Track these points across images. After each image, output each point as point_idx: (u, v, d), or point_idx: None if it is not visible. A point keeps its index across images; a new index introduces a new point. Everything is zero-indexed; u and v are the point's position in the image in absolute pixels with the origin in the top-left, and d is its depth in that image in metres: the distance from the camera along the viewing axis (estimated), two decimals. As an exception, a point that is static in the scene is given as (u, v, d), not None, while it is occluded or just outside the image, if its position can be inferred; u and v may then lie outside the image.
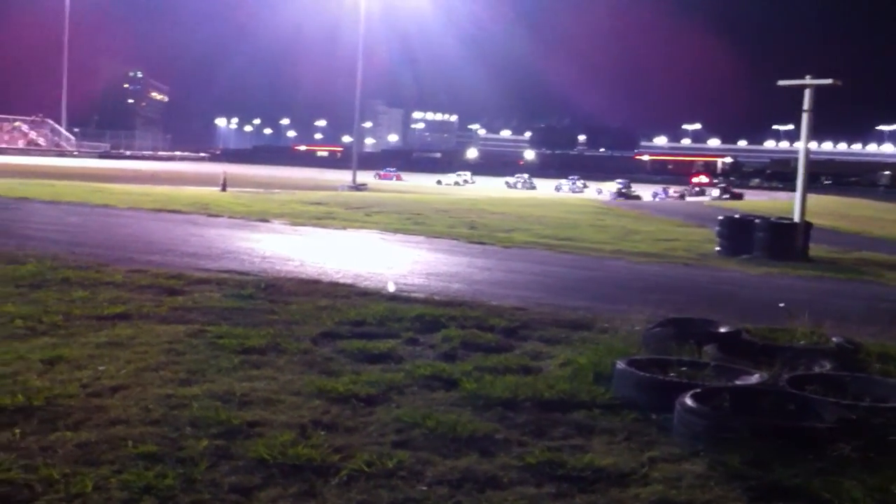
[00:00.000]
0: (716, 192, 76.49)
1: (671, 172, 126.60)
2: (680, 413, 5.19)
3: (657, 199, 67.20)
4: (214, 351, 6.64)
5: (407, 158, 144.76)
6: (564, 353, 7.16)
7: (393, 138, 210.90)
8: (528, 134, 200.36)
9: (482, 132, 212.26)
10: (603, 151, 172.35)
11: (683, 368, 6.35)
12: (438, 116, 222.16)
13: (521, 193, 69.32)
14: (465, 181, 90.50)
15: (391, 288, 10.82)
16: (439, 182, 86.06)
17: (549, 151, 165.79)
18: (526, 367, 6.75)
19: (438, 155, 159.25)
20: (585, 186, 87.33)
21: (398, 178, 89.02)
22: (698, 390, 5.45)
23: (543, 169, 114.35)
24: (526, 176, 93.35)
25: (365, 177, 67.35)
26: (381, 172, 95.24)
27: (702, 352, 6.96)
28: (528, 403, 5.67)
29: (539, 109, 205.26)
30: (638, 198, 66.44)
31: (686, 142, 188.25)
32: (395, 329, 7.87)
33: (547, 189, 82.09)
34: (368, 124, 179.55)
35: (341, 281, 11.04)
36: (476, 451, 4.76)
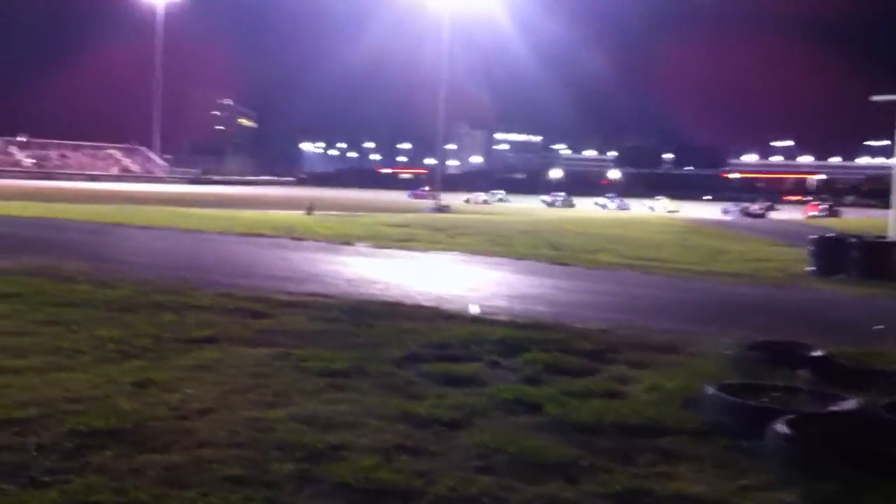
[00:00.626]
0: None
1: (761, 190, 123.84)
2: (772, 440, 5.04)
3: (729, 217, 66.17)
4: (299, 374, 6.69)
5: (490, 179, 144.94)
6: (651, 378, 7.01)
7: (476, 160, 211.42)
8: (612, 153, 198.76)
9: (566, 152, 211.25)
10: (690, 170, 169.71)
11: (776, 393, 6.16)
12: (522, 137, 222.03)
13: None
14: (500, 199, 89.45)
15: (474, 310, 10.78)
16: (467, 201, 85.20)
17: (634, 171, 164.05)
18: (611, 391, 6.63)
19: (522, 176, 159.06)
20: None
21: (433, 198, 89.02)
22: (791, 416, 5.28)
23: (629, 188, 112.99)
24: (563, 194, 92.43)
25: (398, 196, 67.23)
26: (416, 192, 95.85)
27: (795, 376, 6.75)
28: (613, 429, 5.56)
29: (624, 128, 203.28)
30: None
31: (777, 159, 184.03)
32: (478, 352, 7.80)
33: (586, 206, 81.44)
34: (451, 146, 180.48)
35: (424, 303, 11.05)
36: (560, 478, 4.67)
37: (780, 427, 5.06)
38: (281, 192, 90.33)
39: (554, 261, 19.13)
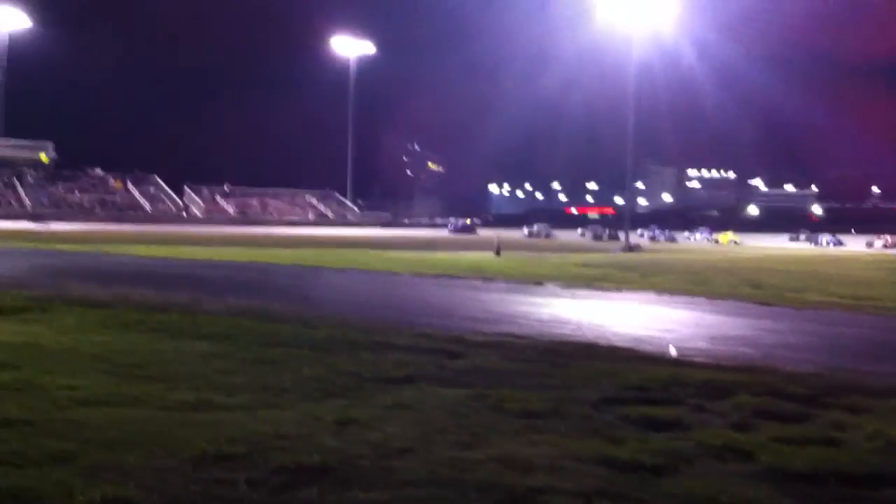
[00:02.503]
0: None
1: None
2: None
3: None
4: (496, 414, 6.64)
5: (683, 217, 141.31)
6: (872, 424, 6.54)
7: (666, 197, 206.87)
8: (813, 188, 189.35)
9: (762, 188, 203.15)
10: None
11: None
12: (714, 173, 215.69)
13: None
14: (548, 235, 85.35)
15: (673, 352, 10.43)
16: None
17: (838, 205, 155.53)
18: (828, 438, 6.20)
19: (715, 213, 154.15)
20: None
21: (474, 232, 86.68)
22: None
23: (834, 224, 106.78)
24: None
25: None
26: (457, 225, 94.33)
27: None
28: (832, 479, 5.18)
29: (825, 161, 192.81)
30: None
31: None
32: (680, 395, 7.53)
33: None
34: (639, 184, 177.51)
35: (620, 344, 10.79)
36: (778, 531, 4.37)
37: None
38: (470, 234, 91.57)
39: (756, 300, 18.27)
